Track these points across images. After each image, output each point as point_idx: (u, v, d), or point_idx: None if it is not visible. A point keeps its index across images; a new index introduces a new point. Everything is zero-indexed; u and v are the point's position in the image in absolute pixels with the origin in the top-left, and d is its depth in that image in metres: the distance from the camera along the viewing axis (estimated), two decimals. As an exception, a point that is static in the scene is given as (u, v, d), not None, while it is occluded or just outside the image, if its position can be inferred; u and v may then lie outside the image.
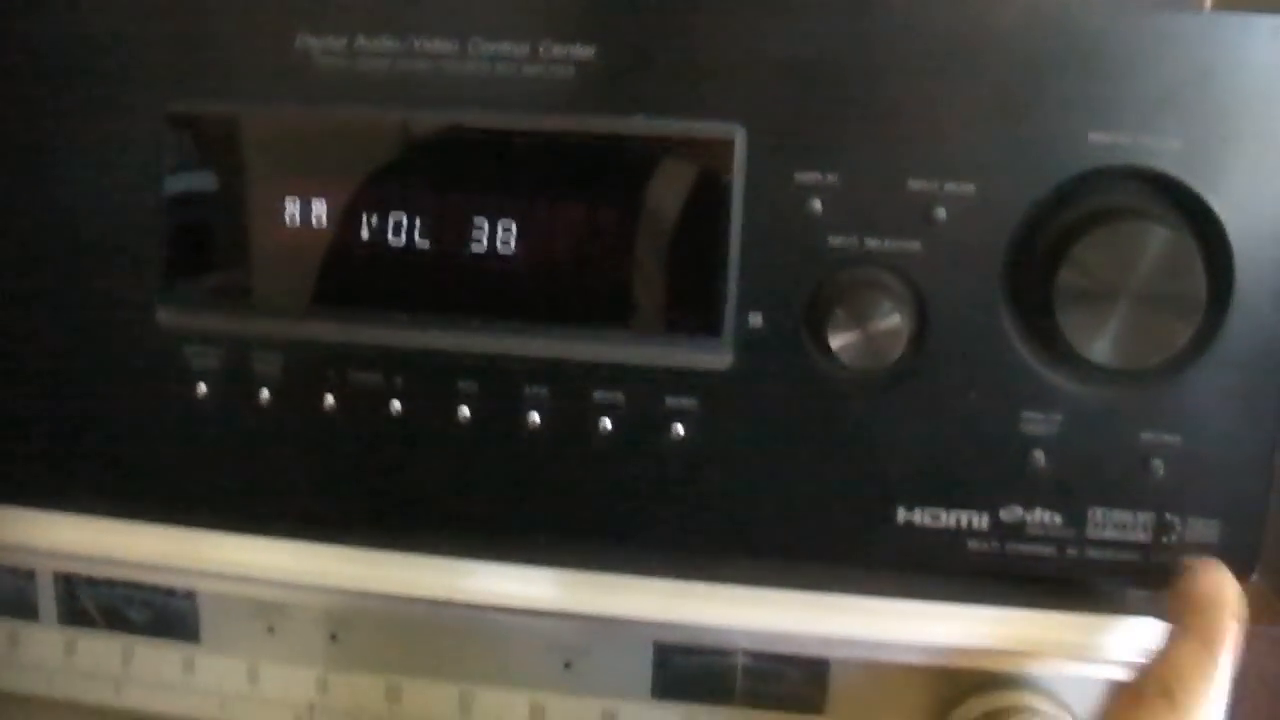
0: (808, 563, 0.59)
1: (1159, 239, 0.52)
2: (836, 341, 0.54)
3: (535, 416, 0.58)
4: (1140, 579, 0.58)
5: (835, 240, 0.55)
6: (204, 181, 0.59)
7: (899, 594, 0.58)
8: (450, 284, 0.58)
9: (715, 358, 0.56)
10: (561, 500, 0.59)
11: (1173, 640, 0.52)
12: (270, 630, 0.66)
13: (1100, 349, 0.52)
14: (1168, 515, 0.56)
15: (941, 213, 0.54)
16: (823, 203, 0.55)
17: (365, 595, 0.61)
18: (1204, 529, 0.57)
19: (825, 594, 0.59)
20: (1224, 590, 0.53)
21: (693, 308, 0.57)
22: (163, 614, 0.66)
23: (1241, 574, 0.57)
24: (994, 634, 0.58)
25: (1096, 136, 0.53)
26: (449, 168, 0.57)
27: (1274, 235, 0.54)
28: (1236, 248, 0.54)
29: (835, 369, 0.56)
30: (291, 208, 0.57)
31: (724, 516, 0.58)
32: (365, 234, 0.58)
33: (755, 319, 0.56)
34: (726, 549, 0.59)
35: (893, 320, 0.54)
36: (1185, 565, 0.54)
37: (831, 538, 0.58)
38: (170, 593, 0.66)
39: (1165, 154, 0.53)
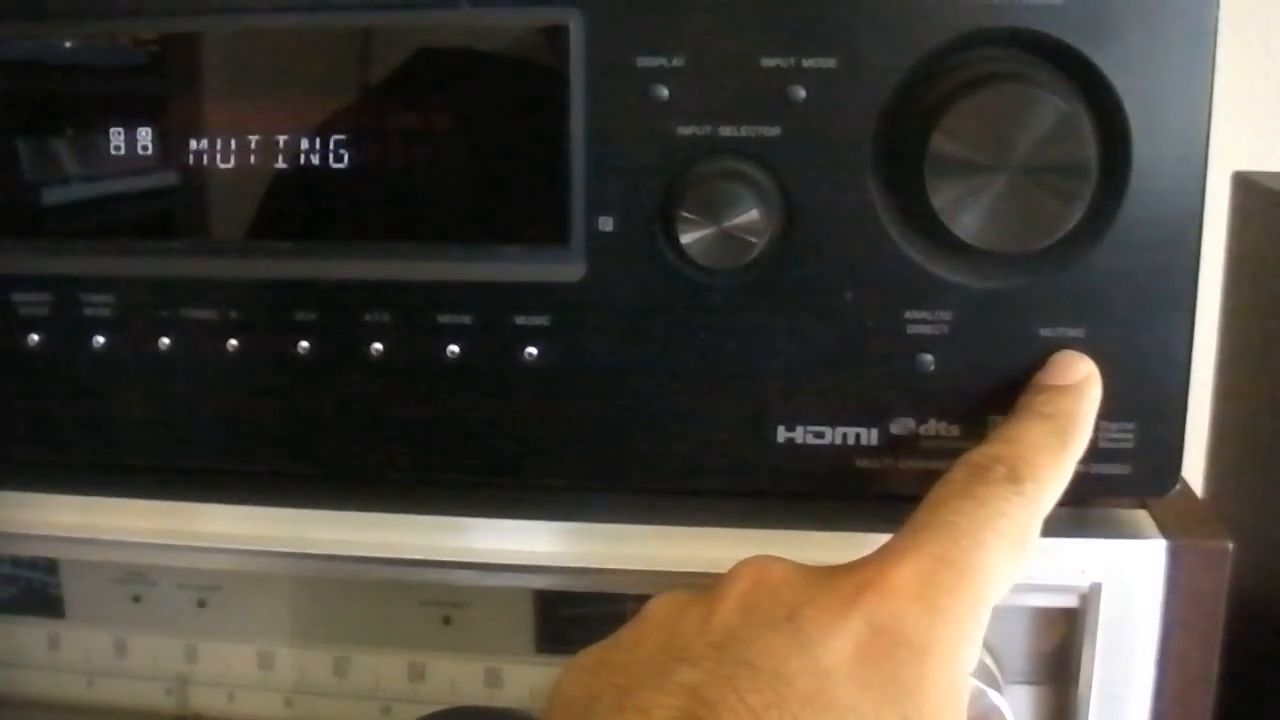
0: (680, 491, 0.51)
1: (1040, 104, 0.44)
2: (687, 239, 0.47)
3: (377, 345, 0.50)
4: None
5: (686, 130, 0.48)
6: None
7: (796, 522, 0.50)
8: (277, 205, 0.51)
9: (566, 268, 0.49)
10: (414, 437, 0.52)
11: (1021, 420, 0.46)
12: (136, 599, 0.59)
13: (975, 225, 0.45)
14: None
15: (800, 92, 0.47)
16: (669, 89, 0.47)
17: (229, 554, 0.54)
18: (1117, 434, 0.48)
19: (718, 528, 0.51)
20: (1079, 372, 0.47)
21: (537, 215, 0.50)
22: (25, 589, 0.60)
23: (1163, 484, 0.49)
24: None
25: (967, -5, 0.45)
26: (266, 78, 0.50)
27: (1174, 98, 0.46)
28: (1131, 112, 0.46)
29: (695, 272, 0.48)
30: (105, 136, 0.50)
31: (587, 445, 0.51)
32: (188, 158, 0.51)
33: (606, 223, 0.49)
34: (594, 480, 0.51)
35: (749, 214, 0.47)
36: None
37: (706, 462, 0.50)
38: (32, 565, 0.59)
39: (1047, 11, 0.45)
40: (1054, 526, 0.50)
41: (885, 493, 0.50)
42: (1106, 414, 0.48)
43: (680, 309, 0.49)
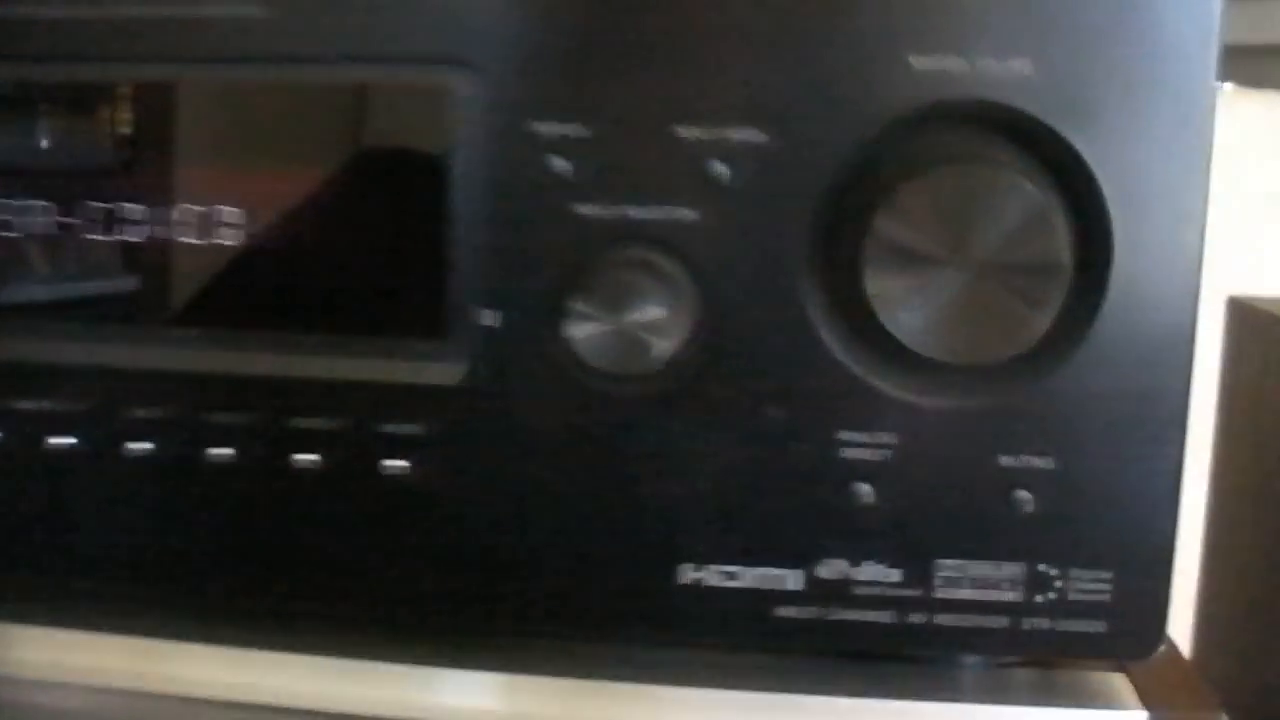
0: (570, 636, 0.42)
1: (1007, 190, 0.37)
2: (579, 336, 0.38)
3: (223, 451, 0.42)
4: (1007, 651, 0.41)
5: (588, 210, 0.40)
6: None
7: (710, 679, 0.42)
8: (114, 284, 0.42)
9: (442, 368, 0.41)
10: (265, 562, 0.43)
11: None
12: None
13: (919, 328, 0.37)
14: (1041, 567, 0.40)
15: (723, 169, 0.39)
16: (571, 162, 0.39)
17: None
18: (1092, 585, 0.40)
19: (605, 681, 0.42)
20: None
21: (411, 306, 0.41)
22: None
23: (1145, 644, 0.40)
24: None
25: (921, 62, 0.38)
26: (96, 141, 0.42)
27: (1164, 190, 0.38)
28: (1113, 205, 0.38)
29: (594, 380, 0.40)
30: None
31: (460, 580, 0.42)
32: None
33: (492, 317, 0.40)
34: (468, 620, 0.42)
35: (653, 310, 0.38)
36: None
37: (596, 605, 0.41)
38: None
39: (1017, 83, 0.37)
40: (1015, 692, 0.41)
41: (812, 648, 0.41)
42: (1080, 560, 0.40)
43: (575, 422, 0.41)
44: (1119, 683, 0.43)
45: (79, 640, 0.45)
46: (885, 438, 0.40)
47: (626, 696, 0.43)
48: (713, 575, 0.41)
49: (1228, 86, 0.84)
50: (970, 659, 0.44)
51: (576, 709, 0.43)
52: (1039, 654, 0.41)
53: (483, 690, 0.44)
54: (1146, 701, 0.42)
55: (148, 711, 0.46)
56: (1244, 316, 0.60)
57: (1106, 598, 0.41)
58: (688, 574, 0.41)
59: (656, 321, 0.39)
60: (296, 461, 0.42)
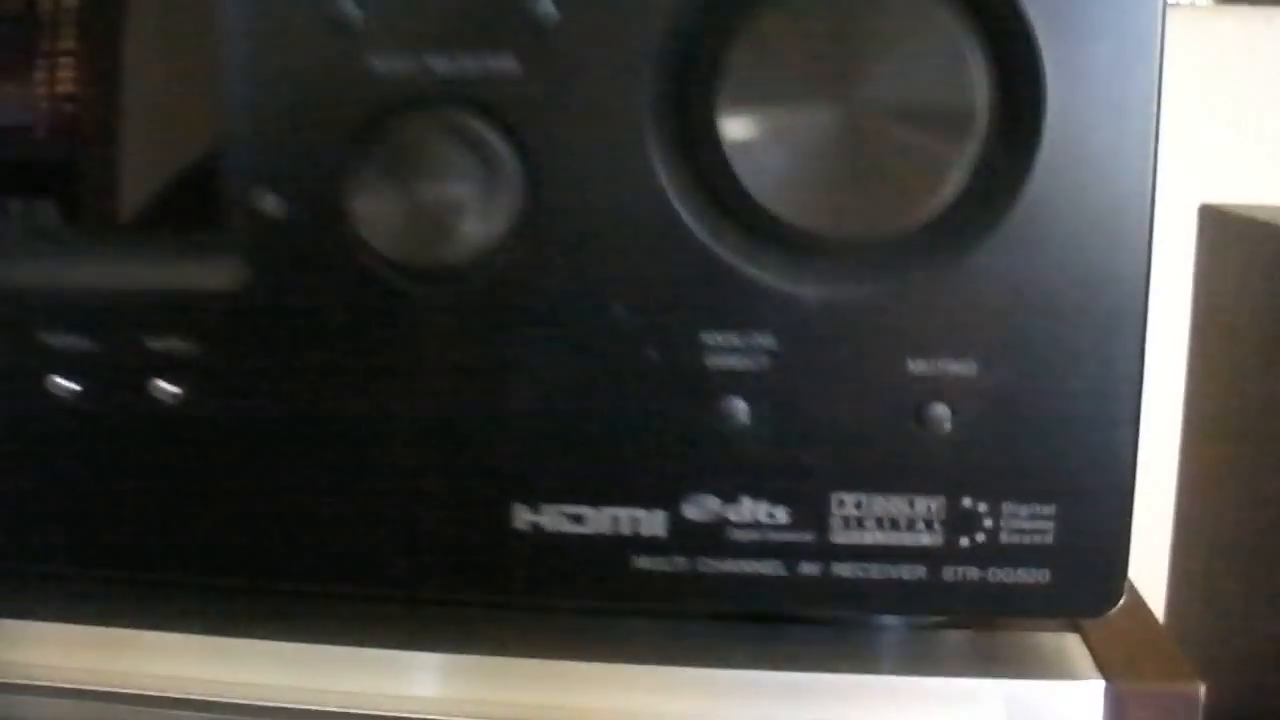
0: (380, 597, 0.34)
1: (903, 12, 0.27)
2: (367, 221, 0.30)
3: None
4: (926, 609, 0.32)
5: (384, 64, 0.30)
6: None
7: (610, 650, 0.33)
8: None
9: (216, 271, 0.32)
10: (13, 508, 0.34)
11: None
12: None
13: (788, 187, 0.28)
14: (966, 501, 0.31)
15: (548, 7, 0.29)
16: (363, 6, 0.30)
17: None
18: (1030, 523, 0.31)
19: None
20: None
21: (176, 195, 0.32)
22: None
23: (1100, 596, 0.31)
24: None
25: None
26: None
27: (1105, 17, 0.29)
28: (1044, 40, 0.29)
29: (397, 277, 0.31)
30: None
31: (248, 527, 0.33)
32: None
33: (274, 204, 0.31)
34: (256, 578, 0.34)
35: (457, 185, 0.29)
36: None
37: (413, 557, 0.32)
38: None
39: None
40: (940, 661, 0.32)
41: (679, 608, 0.33)
42: (1015, 492, 0.31)
43: (375, 333, 0.32)
44: (1071, 646, 0.35)
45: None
46: (762, 340, 0.31)
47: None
48: (553, 519, 0.33)
49: (1204, 1, 0.77)
50: (884, 620, 0.35)
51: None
52: (967, 612, 0.33)
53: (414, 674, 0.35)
54: (1105, 669, 0.33)
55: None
56: (1219, 224, 0.51)
57: (1049, 538, 0.32)
58: (522, 518, 0.33)
59: (466, 199, 0.30)
60: (53, 387, 0.34)
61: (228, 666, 0.35)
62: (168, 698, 0.34)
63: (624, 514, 0.32)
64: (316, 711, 0.34)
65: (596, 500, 0.32)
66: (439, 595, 0.34)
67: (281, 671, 0.35)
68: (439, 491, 0.33)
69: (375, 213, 0.31)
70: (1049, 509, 0.32)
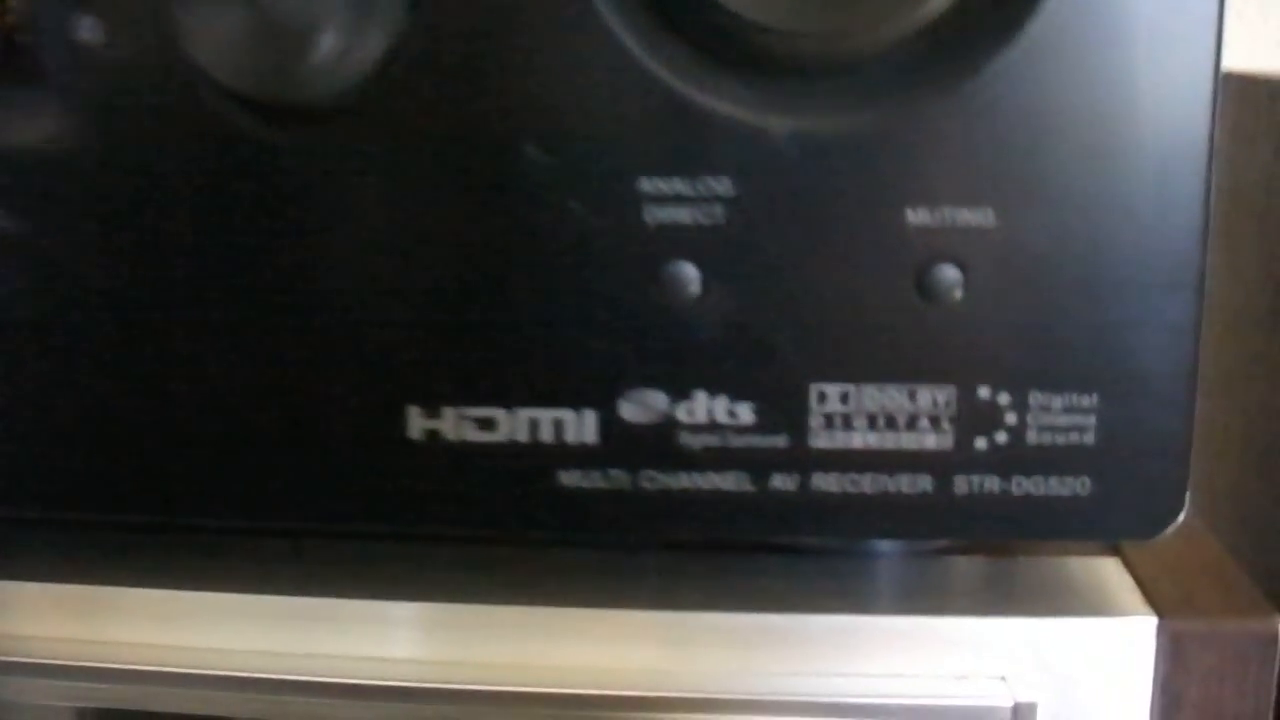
0: (260, 530, 0.27)
1: None
2: (203, 40, 0.22)
3: None
4: (926, 530, 0.24)
5: None
6: None
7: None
8: None
9: (30, 119, 0.24)
10: None
11: None
12: None
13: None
14: (982, 390, 0.23)
15: None
16: None
17: None
18: (1065, 417, 0.24)
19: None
20: None
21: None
22: None
23: (1156, 515, 0.23)
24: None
25: None
26: None
27: None
28: None
29: (244, 119, 0.23)
30: None
31: (87, 449, 0.26)
32: None
33: (89, 28, 0.24)
34: (109, 510, 0.26)
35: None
36: None
37: (292, 481, 0.25)
38: None
39: None
40: (951, 596, 0.25)
41: (618, 536, 0.25)
42: (1045, 378, 0.24)
43: (224, 194, 0.24)
44: (1111, 574, 0.27)
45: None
46: (716, 186, 0.24)
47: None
48: (454, 425, 0.25)
49: None
50: (879, 547, 0.28)
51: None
52: (983, 535, 0.25)
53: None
54: (1156, 602, 0.26)
55: None
56: (1247, 93, 0.43)
57: (1089, 437, 0.24)
58: (416, 424, 0.25)
59: (325, 10, 0.23)
60: None
61: (201, 628, 0.27)
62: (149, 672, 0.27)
63: (544, 416, 0.25)
64: (296, 683, 0.27)
65: (509, 400, 0.25)
66: (324, 526, 0.27)
67: (259, 631, 0.27)
68: (312, 395, 0.25)
69: (209, 29, 0.23)
70: (1089, 399, 0.24)
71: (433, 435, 0.25)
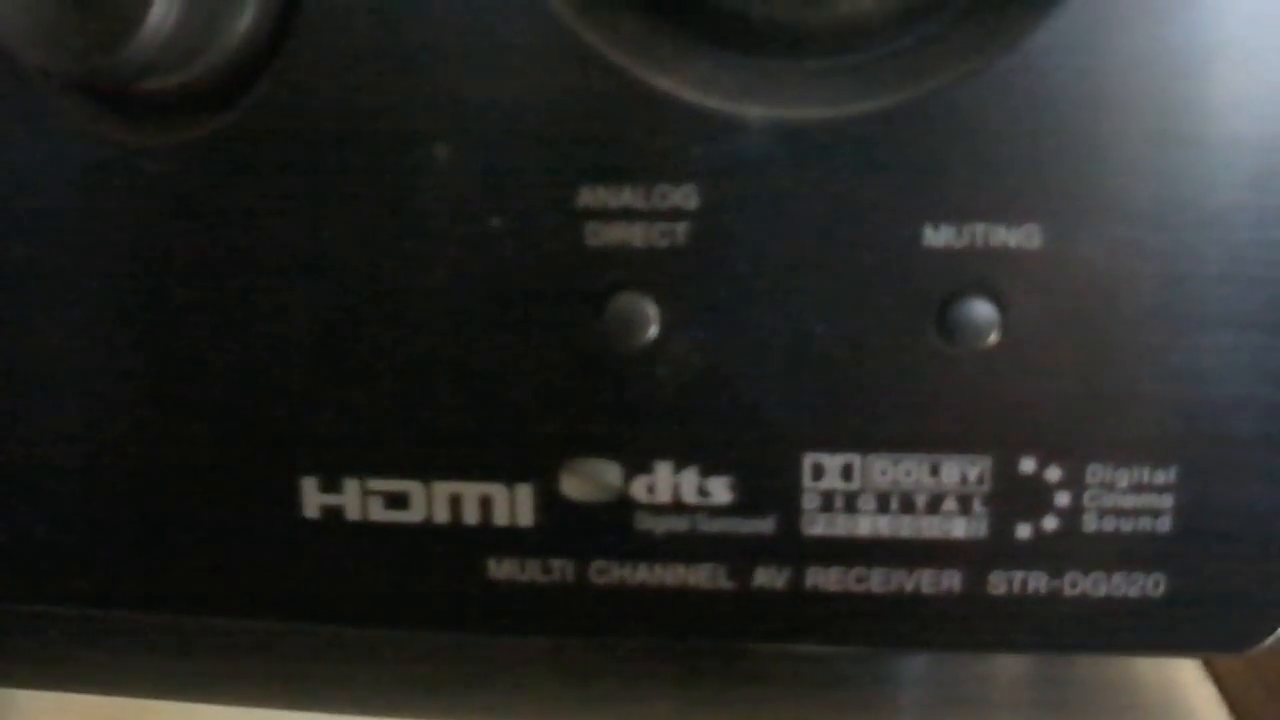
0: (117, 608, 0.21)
1: None
2: (20, 31, 0.16)
3: None
4: (952, 638, 0.18)
5: None
6: None
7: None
8: None
9: None
10: None
11: None
12: None
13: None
14: (1026, 463, 0.17)
15: None
16: None
17: None
18: (1133, 497, 0.17)
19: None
20: None
21: None
22: None
23: (1254, 624, 0.16)
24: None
25: None
26: None
27: None
28: None
29: (78, 111, 0.17)
30: None
31: None
32: None
33: None
34: None
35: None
36: None
37: (167, 556, 0.19)
38: None
39: None
40: (985, 710, 0.19)
41: (564, 635, 0.19)
42: (1108, 446, 0.17)
43: (65, 215, 0.18)
44: (1189, 680, 0.21)
45: None
46: (677, 197, 0.17)
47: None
48: (358, 501, 0.19)
49: None
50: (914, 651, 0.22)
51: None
52: (1026, 648, 0.19)
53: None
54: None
55: None
56: None
57: (1165, 524, 0.18)
58: (313, 500, 0.19)
59: None
60: None
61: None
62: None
63: (469, 492, 0.19)
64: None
65: (425, 471, 0.19)
66: (218, 616, 0.21)
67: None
68: (191, 465, 0.19)
69: (25, 20, 0.17)
70: (1165, 475, 0.18)
71: (332, 514, 0.19)
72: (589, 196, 0.18)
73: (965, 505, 0.18)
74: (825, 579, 0.19)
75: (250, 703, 0.23)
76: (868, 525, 0.18)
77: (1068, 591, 0.18)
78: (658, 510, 0.19)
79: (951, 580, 0.19)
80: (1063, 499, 0.18)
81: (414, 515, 0.19)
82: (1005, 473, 0.18)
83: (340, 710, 0.22)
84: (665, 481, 0.19)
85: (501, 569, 0.19)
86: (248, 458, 0.19)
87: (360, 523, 0.19)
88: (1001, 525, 0.18)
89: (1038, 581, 0.18)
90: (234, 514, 0.20)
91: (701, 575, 0.19)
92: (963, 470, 0.18)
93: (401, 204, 0.18)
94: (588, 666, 0.22)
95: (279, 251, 0.18)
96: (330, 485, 0.19)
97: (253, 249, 0.19)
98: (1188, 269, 0.17)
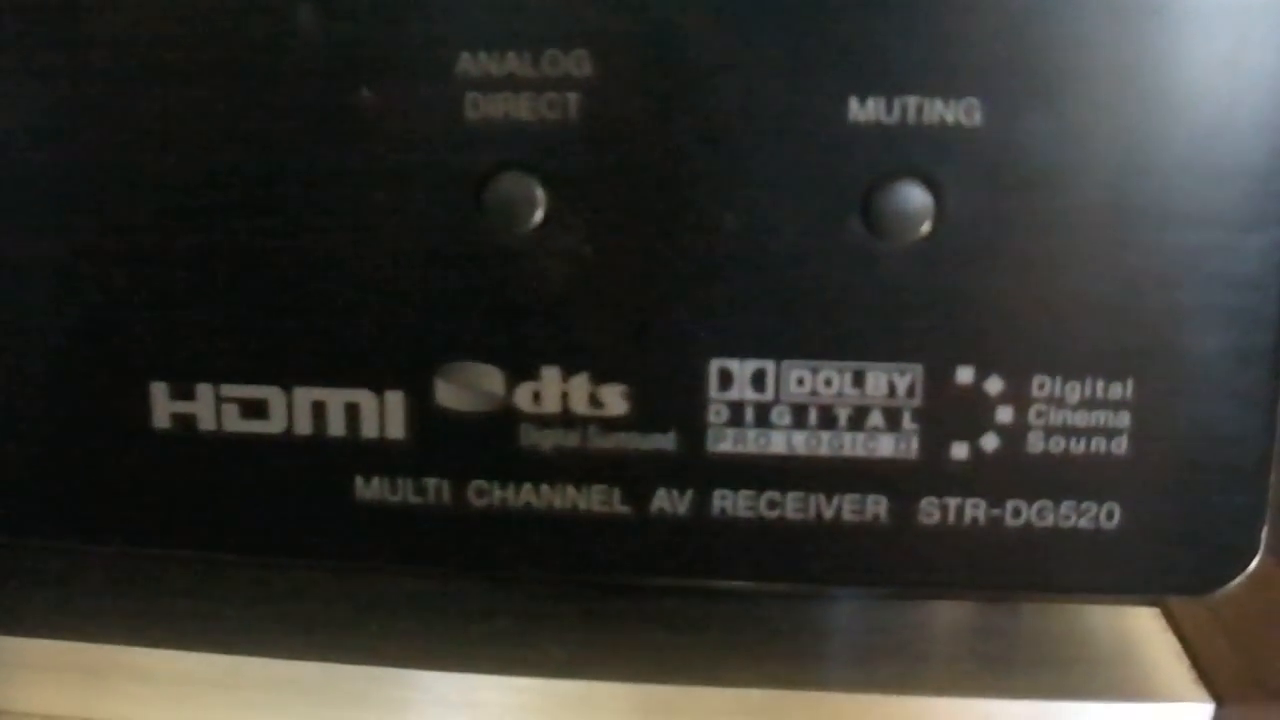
0: None
1: None
2: None
3: None
4: (875, 574, 0.15)
5: None
6: None
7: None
8: None
9: None
10: None
11: None
12: None
13: None
14: (962, 373, 0.14)
15: None
16: None
17: None
18: (1084, 413, 0.14)
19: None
20: None
21: None
22: None
23: (1225, 558, 0.14)
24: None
25: None
26: None
27: None
28: None
29: None
30: None
31: None
32: None
33: None
34: None
35: None
36: None
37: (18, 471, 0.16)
38: None
39: None
40: (911, 663, 0.16)
41: (434, 567, 0.16)
42: (1055, 354, 0.14)
43: None
44: (1148, 632, 0.18)
45: None
46: (570, 64, 0.14)
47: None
48: (214, 409, 0.16)
49: None
50: (835, 590, 0.19)
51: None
52: (960, 586, 0.16)
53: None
54: (1211, 680, 0.17)
55: None
56: None
57: (1121, 444, 0.15)
58: (162, 408, 0.16)
59: None
60: None
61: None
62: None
63: (333, 400, 0.16)
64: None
65: (286, 377, 0.16)
66: (63, 542, 0.18)
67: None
68: (33, 368, 0.17)
69: None
70: (1122, 389, 0.15)
71: (184, 423, 0.17)
72: (469, 64, 0.15)
73: (893, 420, 0.16)
74: (733, 504, 0.16)
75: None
76: (781, 442, 0.16)
77: (1009, 522, 0.16)
78: (544, 422, 0.16)
79: (877, 507, 0.16)
80: (1004, 415, 0.15)
81: (273, 426, 0.16)
82: (939, 384, 0.15)
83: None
84: (552, 390, 0.16)
85: (370, 489, 0.16)
86: (92, 361, 0.17)
87: (214, 433, 0.17)
88: (934, 444, 0.16)
89: (975, 510, 0.16)
90: (80, 426, 0.17)
91: (593, 498, 0.16)
92: (890, 380, 0.15)
93: (257, 73, 0.15)
94: (472, 605, 0.19)
95: (125, 131, 0.16)
96: (181, 391, 0.17)
97: (95, 118, 0.16)
98: (1153, 147, 0.15)
